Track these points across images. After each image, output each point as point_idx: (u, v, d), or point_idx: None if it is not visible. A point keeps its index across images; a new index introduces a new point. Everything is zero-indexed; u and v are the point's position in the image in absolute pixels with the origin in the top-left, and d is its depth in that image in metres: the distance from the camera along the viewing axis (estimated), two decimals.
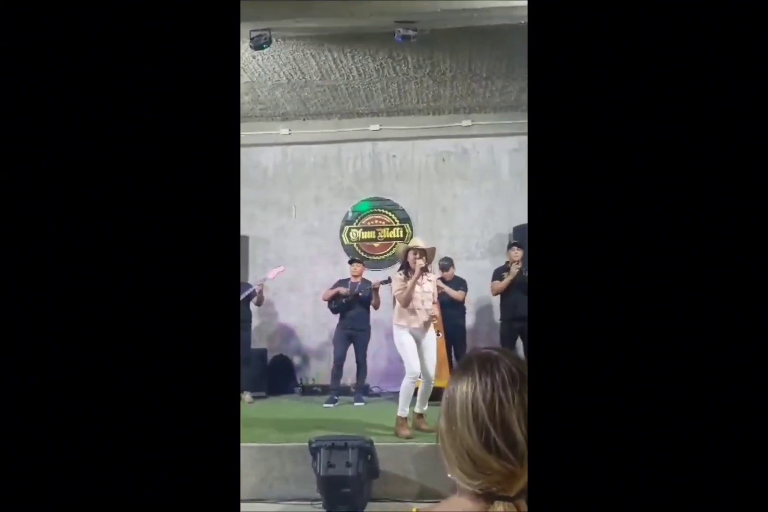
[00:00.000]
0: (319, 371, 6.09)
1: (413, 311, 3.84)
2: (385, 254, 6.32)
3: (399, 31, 4.46)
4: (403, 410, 3.83)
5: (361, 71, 5.43)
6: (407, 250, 3.94)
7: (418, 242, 4.06)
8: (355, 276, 5.48)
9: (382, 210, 6.40)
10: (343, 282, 5.53)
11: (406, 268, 3.90)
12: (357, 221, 6.42)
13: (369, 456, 3.28)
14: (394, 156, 6.45)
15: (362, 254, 6.28)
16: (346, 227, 6.41)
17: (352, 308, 5.35)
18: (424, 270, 3.86)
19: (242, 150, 5.81)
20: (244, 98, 5.93)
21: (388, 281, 5.10)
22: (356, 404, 5.20)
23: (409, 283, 3.79)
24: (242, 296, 5.41)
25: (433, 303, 3.99)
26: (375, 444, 3.34)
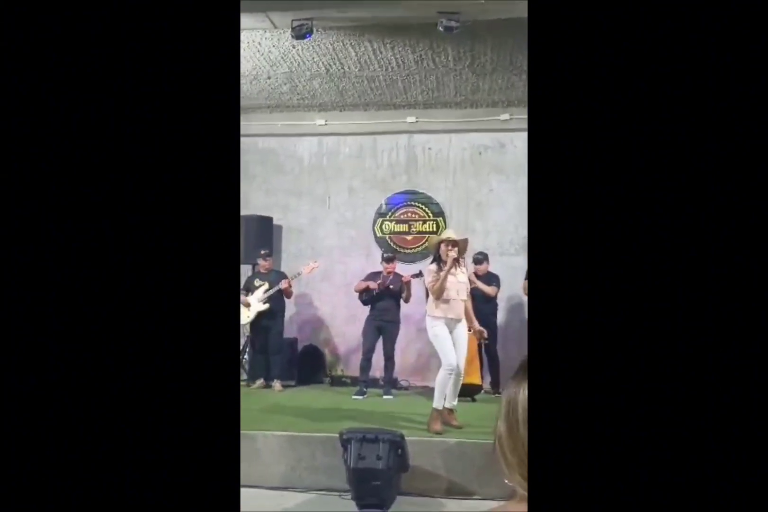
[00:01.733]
0: (348, 362, 6.11)
1: (447, 302, 3.85)
2: (418, 247, 6.29)
3: (442, 22, 4.40)
4: (438, 402, 3.83)
5: (400, 62, 5.38)
6: (440, 242, 3.96)
7: (450, 233, 4.09)
8: (389, 272, 5.47)
9: (416, 203, 6.36)
10: (375, 275, 5.53)
11: (439, 260, 3.94)
12: (390, 213, 6.40)
13: (399, 450, 3.28)
14: (429, 149, 6.40)
15: (394, 246, 6.26)
16: (380, 219, 6.40)
17: (383, 300, 5.35)
18: (457, 261, 3.87)
19: (278, 140, 5.85)
20: (282, 88, 5.94)
21: (420, 274, 5.11)
22: (385, 397, 5.21)
23: (442, 274, 3.81)
24: (274, 289, 5.45)
25: (467, 295, 4.00)
26: (405, 438, 3.34)
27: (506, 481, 0.83)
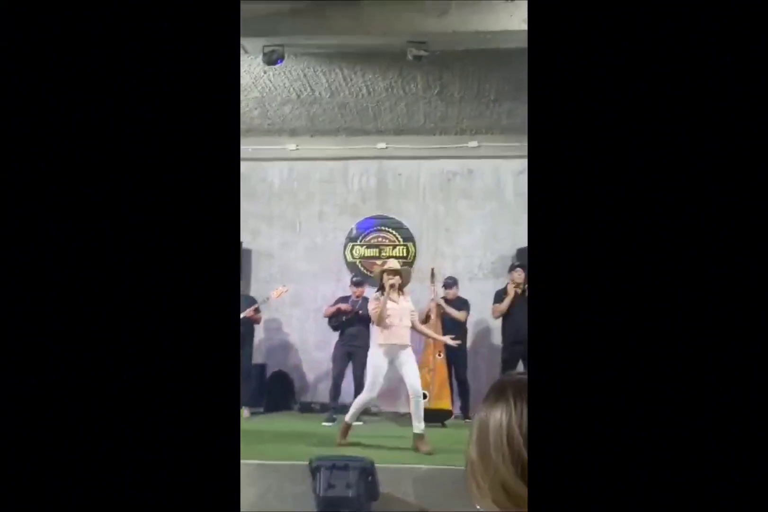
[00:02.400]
0: (318, 389, 6.02)
1: (389, 328, 4.01)
2: None
3: (411, 51, 4.50)
4: (352, 418, 4.14)
5: (371, 90, 5.47)
6: (382, 271, 4.20)
7: (392, 263, 4.34)
8: (357, 296, 5.47)
9: (386, 228, 6.40)
10: (344, 299, 5.51)
11: (382, 289, 4.12)
12: (361, 238, 6.41)
13: (370, 477, 3.23)
14: (400, 175, 6.47)
15: (365, 271, 6.26)
16: (350, 244, 6.41)
17: (353, 325, 5.32)
18: (399, 289, 4.09)
19: (249, 164, 5.85)
20: (253, 113, 5.97)
21: None
22: (354, 423, 5.13)
23: (381, 300, 4.01)
24: (242, 314, 5.38)
25: (413, 323, 4.16)
26: (376, 465, 3.29)
27: (477, 506, 0.82)
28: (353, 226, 6.42)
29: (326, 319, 5.48)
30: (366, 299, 5.32)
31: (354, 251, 6.40)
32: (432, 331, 4.81)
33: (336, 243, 6.42)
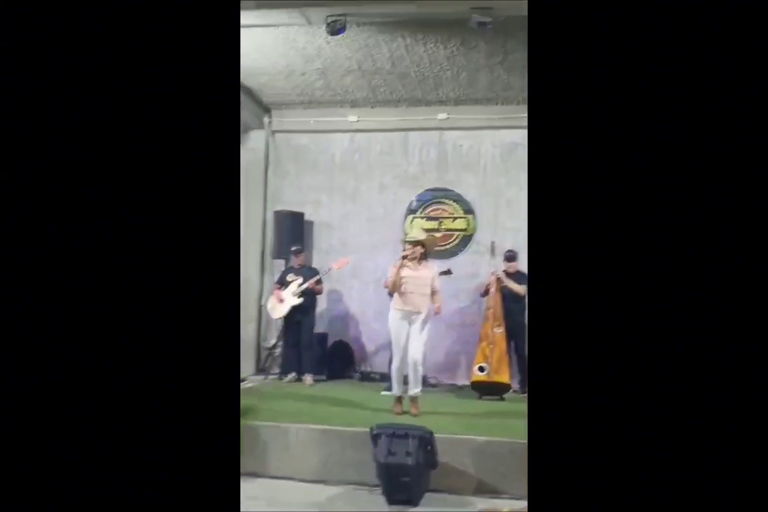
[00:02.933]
0: (377, 358, 6.14)
1: (405, 295, 4.21)
2: (448, 244, 6.28)
3: (474, 18, 4.38)
4: (395, 390, 4.33)
5: (432, 59, 5.36)
6: (404, 242, 4.42)
7: (415, 233, 4.61)
8: None
9: (447, 200, 6.35)
10: None
11: (405, 258, 4.29)
12: (421, 210, 6.40)
13: (429, 447, 3.30)
14: (460, 146, 6.37)
15: (432, 239, 6.25)
16: (410, 216, 6.40)
17: None
18: (421, 258, 4.27)
19: (311, 136, 5.88)
20: (316, 84, 5.97)
21: (448, 272, 5.13)
22: (413, 394, 5.21)
23: (394, 269, 4.23)
24: (306, 284, 5.51)
25: (434, 291, 4.25)
26: (435, 435, 3.35)
27: None
28: (413, 198, 6.40)
29: (385, 290, 5.54)
30: None
31: (414, 223, 6.39)
32: (495, 304, 5.04)
33: (396, 215, 6.42)
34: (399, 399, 4.32)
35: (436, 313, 4.32)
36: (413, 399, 4.27)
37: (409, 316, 4.22)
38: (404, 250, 4.31)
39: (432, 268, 4.39)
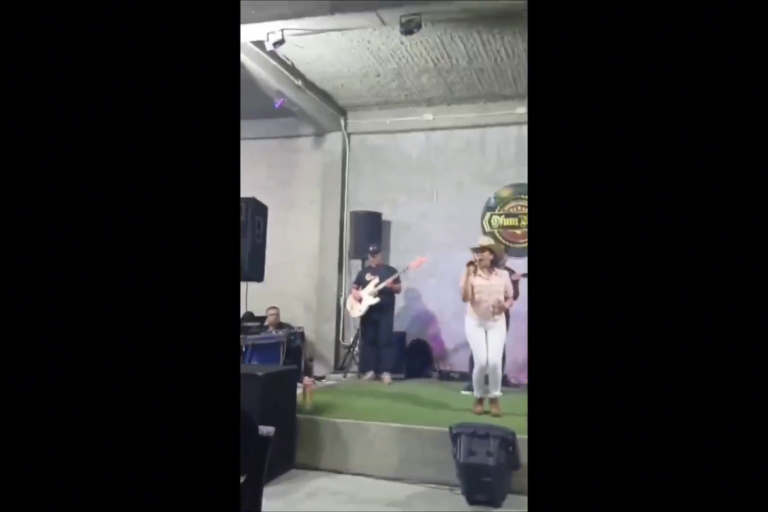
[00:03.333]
0: (456, 357, 6.09)
1: (478, 303, 4.21)
2: (525, 241, 6.14)
3: None
4: (477, 392, 4.30)
5: (510, 52, 5.26)
6: (474, 249, 4.37)
7: (483, 240, 4.56)
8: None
9: (526, 197, 6.21)
10: None
11: (472, 264, 4.29)
12: (499, 207, 6.29)
13: (510, 448, 3.23)
14: None
15: (503, 241, 6.15)
16: (488, 214, 6.31)
17: None
18: (492, 265, 4.27)
19: (386, 136, 5.93)
20: (391, 85, 6.00)
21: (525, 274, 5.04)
22: (494, 395, 5.13)
23: (462, 277, 4.23)
24: (384, 283, 5.54)
25: (507, 297, 4.24)
26: (518, 436, 3.28)
27: None
28: (491, 195, 6.30)
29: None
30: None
31: (492, 221, 6.30)
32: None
33: (473, 213, 6.34)
34: (480, 400, 4.30)
35: (503, 309, 4.28)
36: (493, 400, 4.24)
37: (484, 323, 4.22)
38: (473, 257, 4.29)
39: (505, 276, 4.38)
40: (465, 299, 4.26)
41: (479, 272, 4.24)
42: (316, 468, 3.76)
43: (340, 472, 3.72)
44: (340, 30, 4.83)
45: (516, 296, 5.19)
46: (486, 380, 4.24)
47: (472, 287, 4.20)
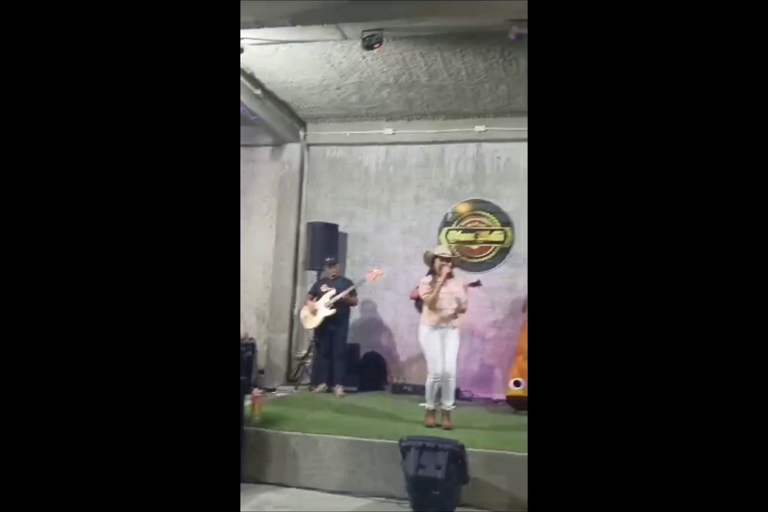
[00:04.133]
0: (410, 370, 6.09)
1: (438, 311, 4.29)
2: (484, 256, 6.22)
3: (513, 30, 4.37)
4: (428, 404, 4.29)
5: (470, 71, 5.37)
6: (434, 257, 4.46)
7: (443, 249, 4.67)
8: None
9: (483, 212, 6.31)
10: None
11: (433, 273, 4.39)
12: (456, 222, 6.36)
13: (459, 461, 3.24)
14: (498, 158, 6.33)
15: (460, 256, 6.21)
16: (445, 228, 6.38)
17: None
18: (450, 276, 4.33)
19: (346, 149, 5.94)
20: (352, 98, 6.03)
21: (477, 283, 5.11)
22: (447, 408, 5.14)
23: (436, 286, 4.28)
24: (340, 295, 5.52)
25: (460, 302, 4.32)
26: (467, 449, 3.29)
27: None
28: (449, 210, 6.38)
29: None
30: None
31: (449, 236, 6.37)
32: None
33: (431, 227, 6.40)
34: (432, 412, 4.30)
35: (464, 311, 4.37)
36: (446, 413, 4.25)
37: (441, 330, 4.28)
38: (440, 267, 4.35)
39: (458, 282, 4.48)
40: (431, 307, 4.31)
41: (439, 279, 4.32)
42: (263, 482, 3.69)
43: (287, 485, 3.66)
44: (301, 42, 4.85)
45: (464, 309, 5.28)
46: (439, 392, 4.26)
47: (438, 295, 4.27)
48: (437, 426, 4.17)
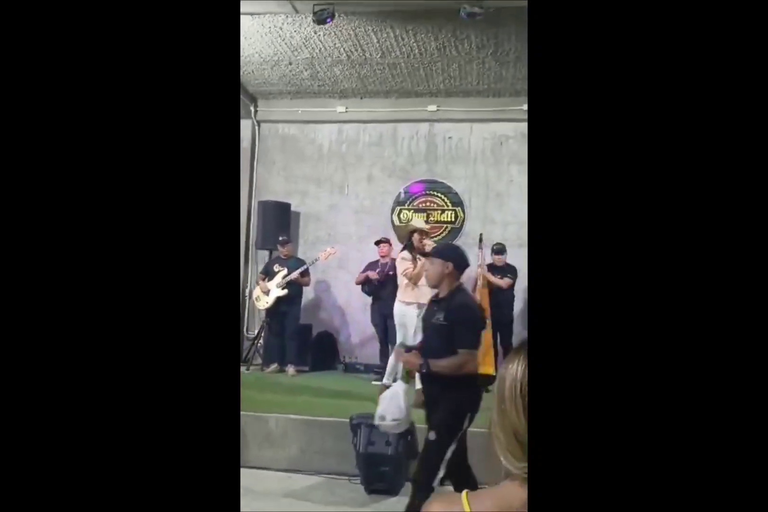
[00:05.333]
0: (362, 350, 6.13)
1: (419, 288, 4.27)
2: (436, 236, 6.27)
3: (464, 8, 4.35)
4: (387, 379, 4.25)
5: (422, 50, 5.33)
6: (412, 231, 4.38)
7: (420, 223, 4.65)
8: (383, 256, 5.53)
9: (435, 192, 6.33)
10: (372, 264, 5.59)
11: (411, 248, 4.35)
12: (409, 202, 6.38)
13: (409, 437, 3.29)
14: (450, 138, 6.35)
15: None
16: (398, 208, 6.39)
17: (385, 288, 5.36)
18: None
19: (298, 126, 5.85)
20: (303, 74, 5.93)
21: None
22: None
23: (418, 262, 4.25)
24: (292, 275, 5.48)
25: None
26: (416, 426, 3.34)
27: (501, 458, 0.83)
28: (401, 189, 6.38)
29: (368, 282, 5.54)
30: (394, 261, 5.36)
31: (402, 215, 6.38)
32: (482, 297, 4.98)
33: (384, 207, 6.40)
34: (385, 388, 4.32)
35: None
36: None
37: (419, 307, 4.22)
38: (420, 240, 4.26)
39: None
40: (416, 283, 4.24)
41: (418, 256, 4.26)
42: None
43: None
44: (250, 14, 4.71)
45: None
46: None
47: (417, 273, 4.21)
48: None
